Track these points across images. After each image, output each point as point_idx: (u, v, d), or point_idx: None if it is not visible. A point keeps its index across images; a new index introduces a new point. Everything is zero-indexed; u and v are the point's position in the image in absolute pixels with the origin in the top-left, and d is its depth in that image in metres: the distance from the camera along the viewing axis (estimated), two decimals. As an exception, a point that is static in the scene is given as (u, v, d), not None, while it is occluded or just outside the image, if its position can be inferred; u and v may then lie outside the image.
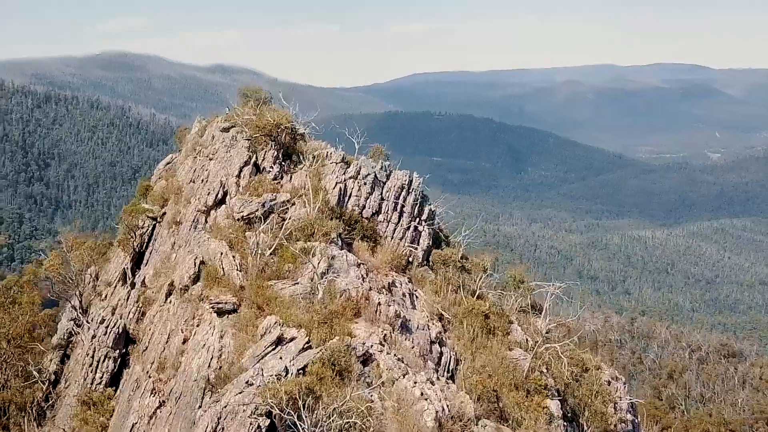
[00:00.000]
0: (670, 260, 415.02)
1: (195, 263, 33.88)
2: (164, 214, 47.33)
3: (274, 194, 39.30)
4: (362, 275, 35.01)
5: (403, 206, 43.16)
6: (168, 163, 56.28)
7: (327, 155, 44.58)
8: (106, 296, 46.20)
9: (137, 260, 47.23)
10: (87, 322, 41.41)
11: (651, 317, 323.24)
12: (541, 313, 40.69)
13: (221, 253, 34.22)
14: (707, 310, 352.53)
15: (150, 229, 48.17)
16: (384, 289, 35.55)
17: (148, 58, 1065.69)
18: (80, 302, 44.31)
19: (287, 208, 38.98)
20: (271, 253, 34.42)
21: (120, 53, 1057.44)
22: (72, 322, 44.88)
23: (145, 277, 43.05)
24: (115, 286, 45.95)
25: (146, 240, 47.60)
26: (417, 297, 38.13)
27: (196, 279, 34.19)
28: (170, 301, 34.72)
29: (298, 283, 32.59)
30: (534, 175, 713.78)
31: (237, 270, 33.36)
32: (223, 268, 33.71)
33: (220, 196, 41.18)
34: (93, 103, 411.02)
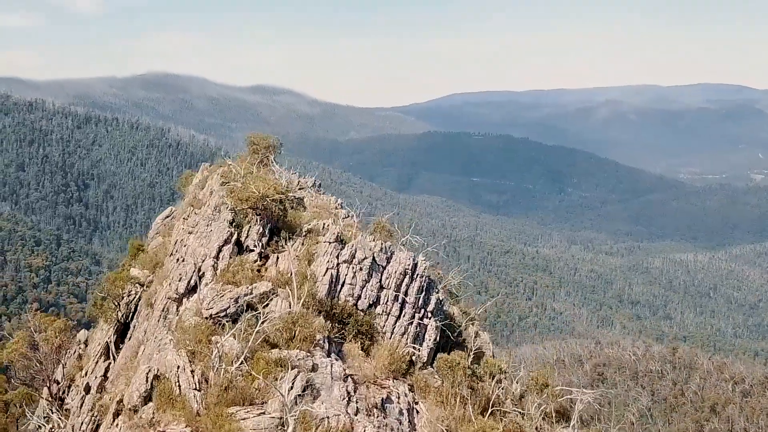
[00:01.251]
0: (713, 284, 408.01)
1: (147, 378, 28.56)
2: (152, 282, 42.57)
3: (251, 286, 33.14)
4: (349, 392, 28.74)
5: (405, 296, 36.25)
6: (167, 217, 51.42)
7: (323, 227, 38.33)
8: (86, 372, 41.59)
9: (123, 330, 42.70)
10: (54, 411, 36.67)
11: (693, 345, 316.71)
12: (569, 423, 34.42)
13: (178, 367, 27.99)
14: (750, 336, 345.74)
15: (137, 297, 43.11)
16: (375, 409, 29.01)
17: (191, 79, 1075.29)
18: (50, 392, 39.60)
19: (268, 301, 32.64)
20: (239, 365, 28.29)
21: (163, 74, 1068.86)
22: (45, 409, 40.36)
23: (101, 381, 37.66)
24: (96, 362, 41.35)
25: (133, 309, 42.86)
26: (418, 412, 31.53)
27: (148, 398, 28.18)
28: (117, 425, 29.38)
29: (264, 413, 26.11)
30: (574, 196, 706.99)
31: (195, 389, 27.20)
32: (179, 386, 27.59)
33: (193, 282, 35.23)
34: (133, 124, 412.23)
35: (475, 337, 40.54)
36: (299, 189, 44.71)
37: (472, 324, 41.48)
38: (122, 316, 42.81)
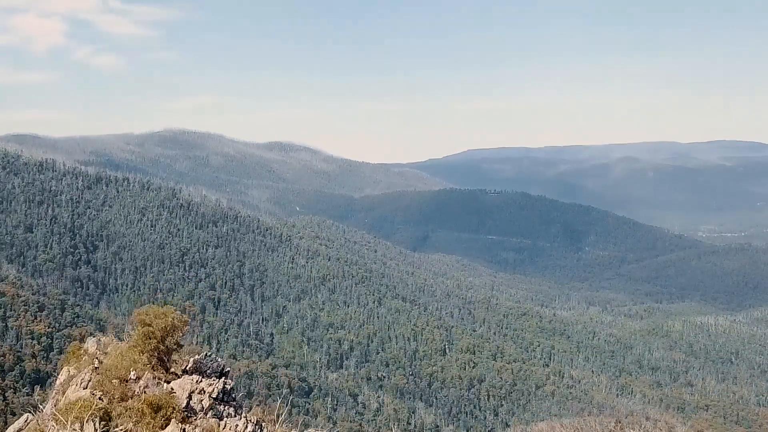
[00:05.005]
0: (734, 349, 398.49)
1: None
2: None
3: None
4: None
5: None
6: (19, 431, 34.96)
7: None
8: None
9: None
10: None
11: (715, 414, 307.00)
12: None
13: None
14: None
15: None
16: None
17: (208, 136, 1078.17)
18: None
19: None
20: None
21: (179, 131, 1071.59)
22: None
23: None
24: None
25: None
26: None
27: None
28: None
29: None
30: (591, 254, 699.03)
31: None
32: None
33: None
34: (144, 185, 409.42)
35: None
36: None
37: None
38: None
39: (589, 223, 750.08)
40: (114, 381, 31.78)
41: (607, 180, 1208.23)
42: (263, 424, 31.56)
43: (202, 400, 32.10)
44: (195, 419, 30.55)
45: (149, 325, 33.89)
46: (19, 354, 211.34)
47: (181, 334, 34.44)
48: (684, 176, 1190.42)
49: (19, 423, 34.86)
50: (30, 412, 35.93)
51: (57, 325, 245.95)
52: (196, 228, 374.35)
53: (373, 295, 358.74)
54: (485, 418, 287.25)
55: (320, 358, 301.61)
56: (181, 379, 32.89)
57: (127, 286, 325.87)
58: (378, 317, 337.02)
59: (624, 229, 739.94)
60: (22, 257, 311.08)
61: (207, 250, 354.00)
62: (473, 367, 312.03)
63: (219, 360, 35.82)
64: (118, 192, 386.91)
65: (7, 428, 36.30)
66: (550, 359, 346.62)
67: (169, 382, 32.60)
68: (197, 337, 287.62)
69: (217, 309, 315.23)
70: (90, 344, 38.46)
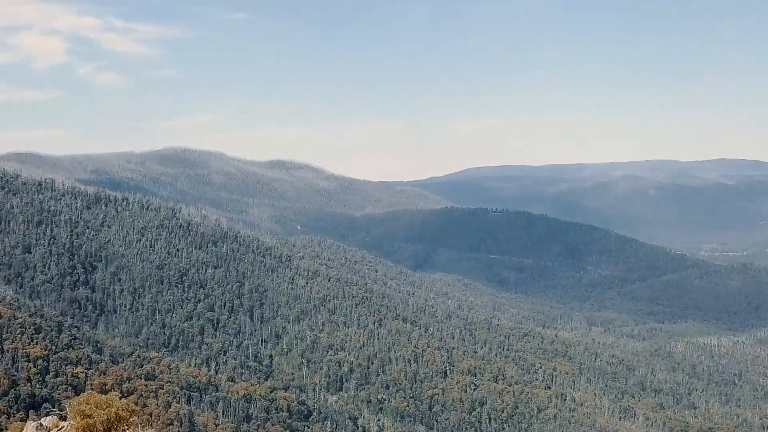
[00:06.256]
0: (738, 370, 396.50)
1: None
2: None
3: None
4: None
5: None
6: None
7: None
8: None
9: None
10: None
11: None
12: None
13: None
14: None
15: None
16: None
17: (210, 154, 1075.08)
18: None
19: None
20: None
21: (181, 149, 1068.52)
22: None
23: None
24: None
25: None
26: None
27: None
28: None
29: None
30: (593, 274, 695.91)
31: None
32: None
33: None
34: (143, 204, 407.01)
35: None
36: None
37: None
38: None
39: (590, 242, 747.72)
40: None
41: (608, 198, 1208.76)
42: None
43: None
44: None
45: (89, 417, 30.59)
46: (14, 378, 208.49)
47: (126, 427, 31.37)
48: (685, 195, 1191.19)
49: None
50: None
51: (53, 347, 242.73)
52: (195, 248, 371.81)
53: (374, 316, 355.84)
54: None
55: (320, 381, 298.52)
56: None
57: (125, 307, 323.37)
58: (378, 338, 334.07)
59: (626, 249, 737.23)
60: (19, 278, 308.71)
61: (206, 270, 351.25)
62: (474, 390, 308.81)
63: (175, 454, 33.18)
64: (117, 212, 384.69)
65: None
66: (552, 381, 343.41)
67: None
68: (195, 360, 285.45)
69: (215, 330, 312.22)
70: (29, 430, 35.69)
